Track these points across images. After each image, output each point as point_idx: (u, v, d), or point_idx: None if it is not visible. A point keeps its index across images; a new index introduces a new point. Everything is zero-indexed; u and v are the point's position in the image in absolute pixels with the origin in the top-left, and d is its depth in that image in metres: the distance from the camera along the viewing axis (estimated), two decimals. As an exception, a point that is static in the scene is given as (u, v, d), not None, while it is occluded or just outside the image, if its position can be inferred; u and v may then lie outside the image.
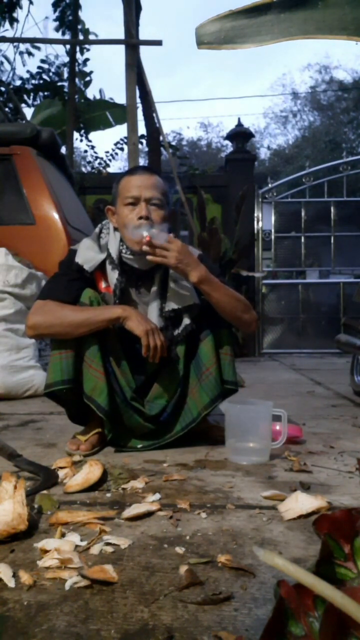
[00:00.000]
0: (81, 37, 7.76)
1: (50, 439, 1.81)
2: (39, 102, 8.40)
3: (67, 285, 1.58)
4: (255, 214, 6.34)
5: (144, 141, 6.87)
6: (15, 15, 7.55)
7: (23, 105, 7.98)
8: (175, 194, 5.97)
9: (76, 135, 7.88)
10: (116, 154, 8.31)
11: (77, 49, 7.45)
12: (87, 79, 8.30)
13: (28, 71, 8.28)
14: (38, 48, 8.28)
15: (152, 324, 1.54)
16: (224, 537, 0.96)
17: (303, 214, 6.34)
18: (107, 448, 1.64)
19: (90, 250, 1.63)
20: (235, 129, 6.82)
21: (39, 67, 8.29)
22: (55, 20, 7.70)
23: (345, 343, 2.89)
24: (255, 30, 0.56)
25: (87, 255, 1.61)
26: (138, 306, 1.65)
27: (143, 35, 5.96)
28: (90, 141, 8.40)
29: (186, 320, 1.59)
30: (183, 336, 1.60)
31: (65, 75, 8.05)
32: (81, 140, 8.39)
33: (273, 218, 6.40)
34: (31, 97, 8.34)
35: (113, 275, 1.60)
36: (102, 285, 1.64)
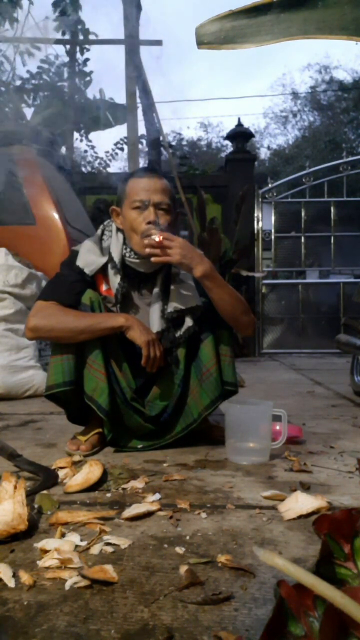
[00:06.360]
0: (81, 37, 7.76)
1: (50, 439, 1.81)
2: (39, 102, 8.40)
3: (68, 286, 1.57)
4: (255, 214, 6.33)
5: (144, 141, 6.87)
6: (15, 15, 7.55)
7: (23, 105, 7.98)
8: (177, 195, 5.97)
9: (76, 135, 7.89)
10: (116, 153, 8.30)
11: (77, 49, 7.45)
12: (87, 79, 8.30)
13: (28, 71, 8.28)
14: (38, 48, 8.28)
15: (153, 334, 1.54)
16: (224, 537, 0.96)
17: (303, 214, 6.34)
18: (107, 448, 1.64)
19: (91, 253, 1.61)
20: (235, 129, 6.81)
21: (39, 67, 8.29)
22: (55, 20, 7.70)
23: (345, 343, 2.89)
24: (255, 30, 0.56)
25: (88, 258, 1.60)
26: (140, 309, 1.64)
27: (143, 35, 5.95)
28: (90, 141, 8.40)
29: (188, 322, 1.59)
30: (185, 338, 1.59)
31: (65, 75, 8.05)
32: (81, 140, 8.39)
33: (273, 218, 6.39)
34: (31, 97, 8.33)
35: (115, 279, 1.59)
36: (103, 288, 1.62)
